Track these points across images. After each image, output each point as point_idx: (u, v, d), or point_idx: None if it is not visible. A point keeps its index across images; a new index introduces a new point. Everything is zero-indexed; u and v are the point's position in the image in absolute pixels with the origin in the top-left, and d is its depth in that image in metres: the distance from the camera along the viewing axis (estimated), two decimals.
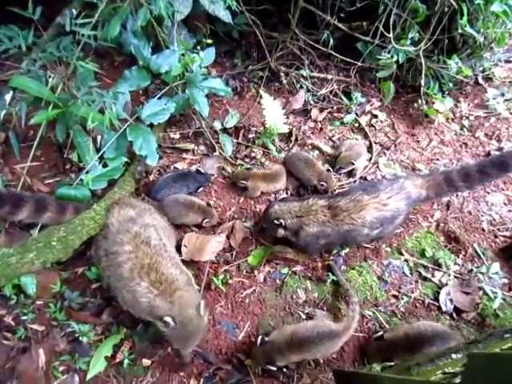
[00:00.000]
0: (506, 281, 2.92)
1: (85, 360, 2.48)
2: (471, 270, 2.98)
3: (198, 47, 3.32)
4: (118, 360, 2.49)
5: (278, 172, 3.38)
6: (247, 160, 3.61)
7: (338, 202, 2.78)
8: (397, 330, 2.62)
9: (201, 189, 3.32)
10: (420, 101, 3.92)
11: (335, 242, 2.97)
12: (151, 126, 3.10)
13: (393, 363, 2.47)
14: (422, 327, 2.58)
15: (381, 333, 2.61)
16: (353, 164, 3.44)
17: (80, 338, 2.51)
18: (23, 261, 2.26)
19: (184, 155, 3.56)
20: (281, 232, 2.90)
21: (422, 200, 2.99)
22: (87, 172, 2.84)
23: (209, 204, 3.21)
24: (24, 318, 2.55)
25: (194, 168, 3.40)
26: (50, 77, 2.68)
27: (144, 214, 2.61)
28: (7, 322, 2.54)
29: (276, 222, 2.84)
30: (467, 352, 2.02)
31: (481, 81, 4.25)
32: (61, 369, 2.46)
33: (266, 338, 2.50)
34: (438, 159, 3.69)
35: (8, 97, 2.80)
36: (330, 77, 4.13)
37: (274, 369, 2.43)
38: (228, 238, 3.12)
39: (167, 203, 3.04)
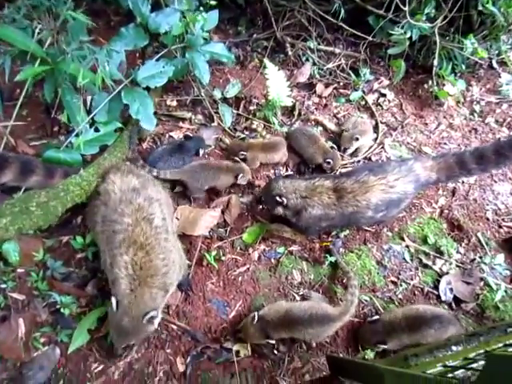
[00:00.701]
0: (508, 272, 2.83)
1: (67, 332, 2.38)
2: (473, 260, 2.88)
3: (201, 8, 3.09)
4: (101, 334, 2.39)
5: (277, 142, 3.23)
6: (247, 132, 3.44)
7: (343, 183, 2.64)
8: (395, 312, 2.55)
9: (201, 151, 3.14)
10: (431, 82, 3.75)
11: (337, 225, 2.85)
12: (147, 89, 2.90)
13: (385, 346, 2.41)
14: (421, 309, 2.50)
15: (376, 317, 2.52)
16: (357, 139, 3.29)
17: (62, 310, 2.40)
18: None
19: (180, 124, 3.38)
20: (279, 210, 2.75)
21: (431, 183, 2.85)
22: (77, 135, 2.65)
23: (235, 160, 3.08)
24: (3, 286, 2.42)
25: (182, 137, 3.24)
26: (36, 28, 2.44)
27: (148, 185, 2.45)
28: None
29: (278, 198, 2.68)
30: (468, 345, 1.94)
31: (495, 65, 4.07)
32: (41, 340, 2.36)
33: (260, 312, 2.42)
34: (445, 143, 3.55)
35: None
36: (337, 51, 3.93)
37: (273, 342, 2.39)
38: (223, 213, 2.98)
39: (193, 169, 2.93)
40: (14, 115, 2.63)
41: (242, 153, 3.12)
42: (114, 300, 2.06)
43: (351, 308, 2.45)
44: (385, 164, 2.84)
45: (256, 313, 2.41)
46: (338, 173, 3.19)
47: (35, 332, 2.35)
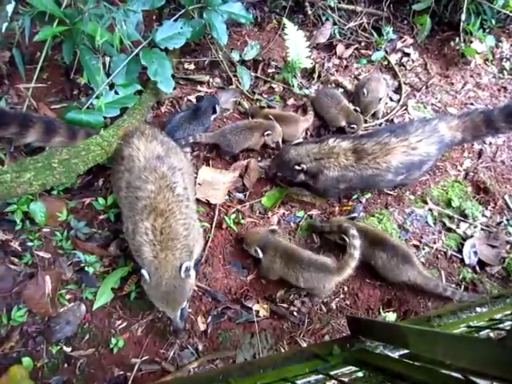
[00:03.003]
0: None
1: (91, 290, 2.44)
2: (500, 223, 2.81)
3: None
4: (124, 293, 2.45)
5: (290, 117, 3.13)
6: (265, 96, 3.37)
7: (363, 144, 2.57)
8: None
9: (217, 108, 3.09)
10: (457, 39, 3.58)
11: (356, 187, 2.80)
12: (165, 51, 2.85)
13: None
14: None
15: None
16: (380, 100, 3.19)
17: (86, 269, 2.45)
18: (19, 180, 2.10)
19: (198, 87, 3.34)
20: (301, 177, 2.72)
21: (456, 143, 2.76)
22: (98, 97, 2.64)
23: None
24: (30, 244, 2.49)
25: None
26: None
27: (171, 153, 2.45)
28: (14, 247, 2.49)
29: (297, 167, 2.64)
30: (493, 307, 1.89)
31: None
32: (67, 297, 2.43)
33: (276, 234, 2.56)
34: (472, 104, 3.40)
35: (10, 8, 2.56)
36: (359, 9, 3.77)
37: (259, 255, 2.49)
38: (241, 177, 2.96)
39: (224, 132, 2.94)
40: (35, 78, 2.64)
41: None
42: (145, 272, 2.07)
43: (350, 261, 2.35)
44: (407, 125, 2.72)
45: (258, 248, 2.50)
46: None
47: (61, 289, 2.43)
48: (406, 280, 2.48)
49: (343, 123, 3.11)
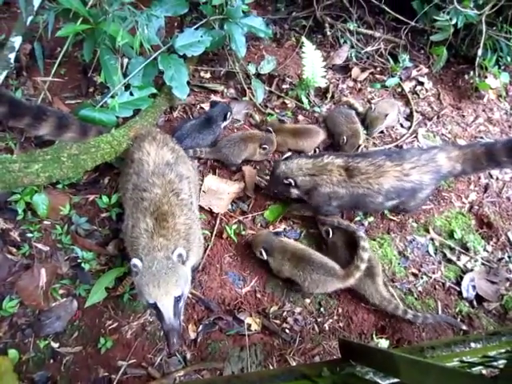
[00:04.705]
0: None
1: (85, 287, 2.43)
2: (501, 259, 2.78)
3: None
4: (118, 293, 2.43)
5: (309, 129, 3.16)
6: (277, 111, 3.39)
7: (357, 163, 2.57)
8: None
9: (229, 115, 3.11)
10: (472, 73, 3.60)
11: (347, 205, 2.77)
12: (184, 58, 2.90)
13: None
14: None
15: None
16: (387, 116, 3.21)
17: (82, 265, 2.45)
18: (27, 170, 2.12)
19: (212, 96, 3.37)
20: (294, 192, 2.71)
21: (456, 174, 2.74)
22: (113, 96, 2.67)
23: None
24: (30, 235, 2.50)
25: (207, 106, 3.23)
26: None
27: (180, 161, 2.48)
28: (13, 237, 2.49)
29: (285, 181, 2.64)
30: (488, 343, 1.87)
31: None
32: (60, 292, 2.42)
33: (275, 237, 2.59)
34: (481, 137, 3.40)
35: (37, 2, 2.61)
36: (377, 35, 3.83)
37: (264, 257, 2.52)
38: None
39: (219, 147, 2.97)
40: (53, 72, 2.68)
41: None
42: (136, 260, 1.95)
43: (356, 272, 2.42)
44: (404, 151, 2.73)
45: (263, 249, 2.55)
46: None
47: (55, 283, 2.42)
48: (363, 294, 2.53)
49: (344, 138, 3.09)
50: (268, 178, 2.92)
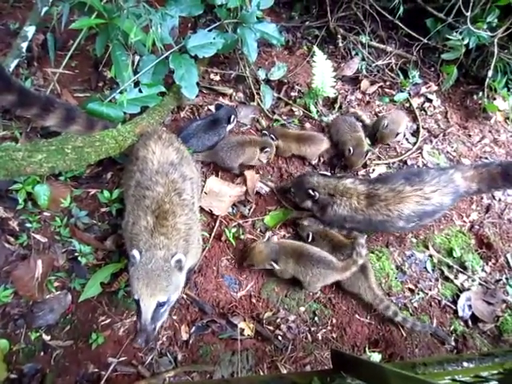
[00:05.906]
0: None
1: (80, 281, 2.42)
2: (499, 280, 2.78)
3: None
4: (113, 289, 2.42)
5: (313, 136, 3.15)
6: (284, 117, 3.40)
7: (377, 190, 2.56)
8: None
9: (233, 118, 3.09)
10: (481, 93, 3.61)
11: (362, 229, 2.74)
12: (195, 59, 2.90)
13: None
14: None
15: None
16: (398, 134, 3.25)
17: (79, 259, 2.44)
18: (30, 160, 2.12)
19: (221, 99, 3.37)
20: (308, 203, 2.73)
21: (471, 194, 2.76)
22: (121, 92, 2.67)
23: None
24: (28, 225, 2.48)
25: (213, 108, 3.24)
26: None
27: (184, 162, 2.48)
28: (12, 226, 2.48)
29: (310, 192, 2.65)
30: (480, 364, 1.86)
31: None
32: (55, 284, 2.41)
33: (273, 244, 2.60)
34: (486, 158, 3.41)
35: None
36: (389, 49, 3.84)
37: (277, 267, 2.52)
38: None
39: (216, 151, 2.96)
40: (64, 64, 2.69)
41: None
42: (135, 252, 1.96)
43: (353, 266, 2.47)
44: (423, 172, 2.65)
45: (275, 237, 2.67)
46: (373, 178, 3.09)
47: (51, 275, 2.41)
48: (357, 292, 2.56)
49: (350, 149, 3.08)
50: (295, 178, 2.96)
